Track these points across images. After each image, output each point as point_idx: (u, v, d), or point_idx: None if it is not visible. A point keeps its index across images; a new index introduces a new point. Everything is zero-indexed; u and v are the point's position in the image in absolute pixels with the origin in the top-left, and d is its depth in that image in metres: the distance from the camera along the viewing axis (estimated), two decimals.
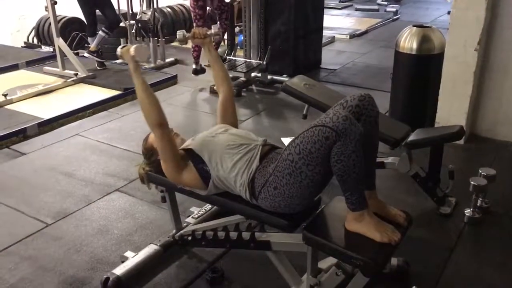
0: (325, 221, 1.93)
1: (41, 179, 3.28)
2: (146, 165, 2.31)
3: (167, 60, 6.10)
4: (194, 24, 4.95)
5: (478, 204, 2.71)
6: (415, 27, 3.81)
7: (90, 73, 5.35)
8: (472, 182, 2.65)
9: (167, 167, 2.13)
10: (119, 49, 2.25)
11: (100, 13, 5.64)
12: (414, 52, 3.75)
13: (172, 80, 5.37)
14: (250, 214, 2.05)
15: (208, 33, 2.41)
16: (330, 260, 2.16)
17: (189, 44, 4.94)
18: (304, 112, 3.15)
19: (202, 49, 2.63)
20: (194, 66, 5.19)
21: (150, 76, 5.42)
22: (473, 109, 3.72)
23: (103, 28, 5.56)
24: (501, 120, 3.71)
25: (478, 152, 3.60)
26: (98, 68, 5.64)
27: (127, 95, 4.86)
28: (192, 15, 4.99)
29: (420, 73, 3.80)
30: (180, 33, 2.39)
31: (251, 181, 1.93)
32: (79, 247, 2.55)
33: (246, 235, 2.15)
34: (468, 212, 2.72)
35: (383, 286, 2.16)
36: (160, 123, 2.07)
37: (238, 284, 2.28)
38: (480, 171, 2.74)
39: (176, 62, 6.15)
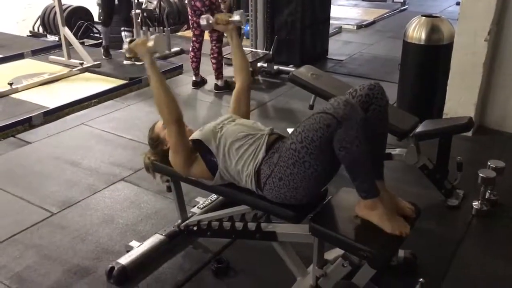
0: (332, 212, 1.91)
1: (47, 168, 3.28)
2: (152, 154, 2.29)
3: (172, 50, 6.07)
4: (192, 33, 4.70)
5: (486, 197, 2.67)
6: (424, 17, 3.76)
7: (96, 63, 5.33)
8: (481, 174, 2.61)
9: (177, 159, 2.09)
10: (127, 45, 2.09)
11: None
12: (422, 43, 3.70)
13: (177, 70, 5.35)
14: (256, 204, 2.04)
15: (231, 19, 2.33)
16: (336, 252, 2.14)
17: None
18: (311, 103, 3.13)
19: (225, 35, 2.51)
20: (194, 78, 4.85)
21: None
22: (482, 101, 3.67)
23: (124, 28, 5.51)
24: (510, 113, 3.66)
25: (486, 144, 3.55)
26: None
27: (133, 84, 4.85)
28: (189, 22, 4.69)
29: (428, 63, 3.75)
30: (204, 18, 2.30)
31: (256, 172, 1.91)
32: (84, 236, 2.55)
33: (252, 225, 2.13)
34: (476, 204, 2.69)
35: (390, 278, 2.14)
36: (177, 119, 2.01)
37: (244, 275, 2.27)
38: (489, 163, 2.70)
39: (181, 52, 6.12)
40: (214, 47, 4.58)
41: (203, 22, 2.31)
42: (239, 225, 2.19)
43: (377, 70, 5.35)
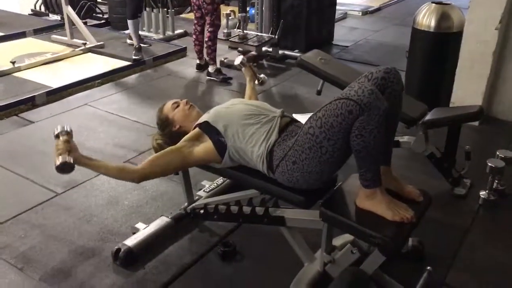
0: (342, 198, 1.89)
1: (50, 148, 3.15)
2: (160, 136, 2.27)
3: (176, 32, 6.01)
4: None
5: (493, 186, 2.66)
6: (434, 4, 3.70)
7: (99, 43, 5.26)
8: (490, 164, 2.59)
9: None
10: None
11: None
12: (432, 30, 3.65)
13: (181, 53, 5.30)
14: (265, 188, 2.02)
15: (258, 75, 2.71)
16: (344, 238, 2.14)
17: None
18: (319, 88, 3.09)
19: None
20: (198, 62, 4.77)
21: (159, 47, 5.34)
22: (490, 90, 3.64)
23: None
24: None
25: (493, 134, 3.53)
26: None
27: (136, 66, 4.80)
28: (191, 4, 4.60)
29: (437, 51, 3.70)
30: (239, 59, 2.65)
31: (269, 153, 1.89)
32: (89, 218, 2.53)
33: (259, 210, 2.12)
34: (483, 194, 2.67)
35: (397, 266, 2.13)
36: (140, 177, 1.96)
37: (250, 259, 2.26)
38: (498, 153, 2.68)
39: (185, 34, 6.05)
40: (207, 32, 4.45)
41: (237, 61, 2.67)
42: (246, 209, 2.17)
43: (383, 57, 5.30)
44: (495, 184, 2.66)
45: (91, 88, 4.31)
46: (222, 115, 2.03)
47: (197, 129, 2.08)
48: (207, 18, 4.41)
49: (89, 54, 5.15)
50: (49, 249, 2.30)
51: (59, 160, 1.81)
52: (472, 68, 3.53)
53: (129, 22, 4.88)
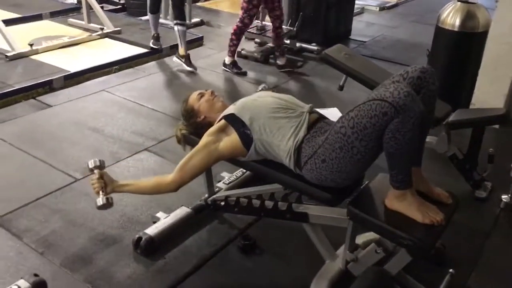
0: (370, 198, 1.87)
1: (68, 133, 3.25)
2: (184, 127, 2.25)
3: (193, 21, 5.97)
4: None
5: None
6: (459, 2, 3.65)
7: (116, 29, 5.24)
8: None
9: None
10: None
11: None
12: (456, 29, 3.60)
13: (198, 42, 5.27)
14: (291, 184, 2.00)
15: None
16: (364, 236, 2.12)
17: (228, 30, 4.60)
18: (341, 83, 3.07)
19: None
20: (229, 58, 4.51)
21: (173, 35, 5.29)
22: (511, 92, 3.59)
23: (178, 22, 4.40)
24: None
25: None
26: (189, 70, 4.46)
27: (153, 54, 4.78)
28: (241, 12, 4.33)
29: (460, 51, 3.66)
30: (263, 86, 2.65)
31: (297, 149, 1.87)
32: None
33: (282, 205, 2.10)
34: (505, 198, 2.65)
35: (419, 267, 2.12)
36: (175, 188, 2.03)
37: (269, 253, 2.26)
38: None
39: (202, 23, 6.02)
40: (234, 25, 4.36)
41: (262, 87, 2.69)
42: (268, 203, 2.15)
43: (401, 54, 5.25)
44: None
45: (108, 74, 4.30)
46: (249, 107, 2.01)
47: (222, 121, 2.06)
48: (240, 13, 4.36)
49: (106, 39, 5.14)
50: (69, 235, 2.30)
51: (99, 202, 1.98)
52: (496, 70, 3.49)
53: (149, 14, 4.76)
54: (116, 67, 4.38)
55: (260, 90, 2.58)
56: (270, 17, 4.50)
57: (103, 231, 2.34)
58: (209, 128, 2.11)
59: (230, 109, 2.08)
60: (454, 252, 2.26)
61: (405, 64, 4.74)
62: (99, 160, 2.04)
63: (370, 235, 2.11)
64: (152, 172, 2.83)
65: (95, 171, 2.02)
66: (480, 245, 2.36)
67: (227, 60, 4.53)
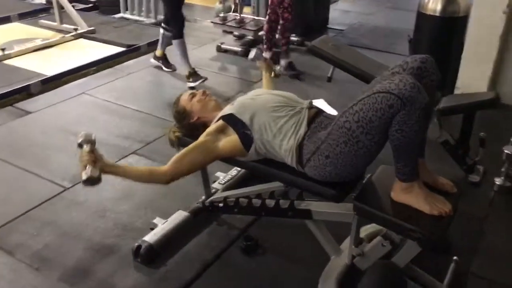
0: (375, 191, 1.86)
1: (52, 140, 3.13)
2: (177, 129, 2.19)
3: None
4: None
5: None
6: None
7: (90, 28, 5.09)
8: (506, 151, 2.59)
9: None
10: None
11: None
12: (438, 14, 3.59)
13: None
14: (293, 181, 1.96)
15: (273, 67, 2.69)
16: (366, 230, 2.10)
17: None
18: (329, 75, 3.05)
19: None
20: (265, 53, 4.08)
21: (150, 32, 5.19)
22: (495, 75, 3.63)
23: (166, 27, 4.15)
24: None
25: (500, 119, 3.52)
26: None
27: (131, 52, 4.66)
28: None
29: (443, 36, 3.65)
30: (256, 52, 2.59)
31: (298, 146, 1.83)
32: (102, 213, 2.45)
33: (284, 203, 2.07)
34: (498, 180, 2.68)
35: (424, 256, 2.11)
36: (169, 180, 1.93)
37: (272, 252, 2.23)
38: None
39: None
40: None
41: (251, 55, 2.62)
42: (270, 202, 2.12)
43: (380, 41, 5.24)
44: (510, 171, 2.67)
45: (87, 75, 4.18)
46: (248, 107, 1.96)
47: (221, 121, 2.00)
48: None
49: (81, 40, 4.99)
50: (64, 247, 2.22)
51: (85, 175, 1.73)
52: (478, 53, 3.51)
53: (175, 42, 4.00)
54: (94, 68, 4.26)
55: (253, 57, 2.57)
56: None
57: (98, 241, 2.27)
58: (204, 128, 2.06)
59: (228, 109, 2.03)
60: (453, 238, 2.26)
61: (386, 51, 4.75)
62: (90, 134, 1.83)
63: (371, 227, 2.10)
64: None
65: (85, 145, 1.79)
66: (478, 230, 2.38)
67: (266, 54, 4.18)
